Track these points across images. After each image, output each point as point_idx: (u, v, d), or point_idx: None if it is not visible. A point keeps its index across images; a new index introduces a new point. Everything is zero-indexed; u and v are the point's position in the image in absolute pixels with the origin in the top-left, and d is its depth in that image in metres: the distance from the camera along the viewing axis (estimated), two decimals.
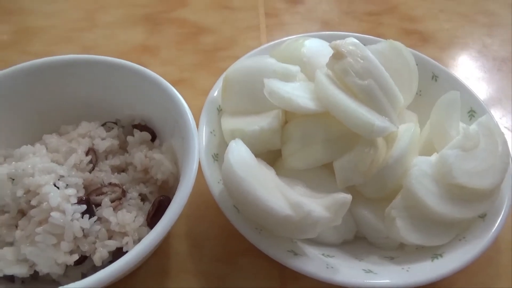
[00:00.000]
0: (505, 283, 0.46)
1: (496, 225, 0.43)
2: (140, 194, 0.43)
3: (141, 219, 0.40)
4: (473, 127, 0.46)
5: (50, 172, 0.40)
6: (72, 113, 0.50)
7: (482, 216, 0.45)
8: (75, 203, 0.37)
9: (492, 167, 0.44)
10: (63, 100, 0.49)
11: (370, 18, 0.77)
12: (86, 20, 0.77)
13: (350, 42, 0.45)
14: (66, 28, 0.75)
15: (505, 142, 0.46)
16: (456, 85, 0.55)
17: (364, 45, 0.47)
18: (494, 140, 0.46)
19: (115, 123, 0.51)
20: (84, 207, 0.37)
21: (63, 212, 0.36)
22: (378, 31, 0.74)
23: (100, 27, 0.75)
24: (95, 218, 0.38)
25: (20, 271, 0.37)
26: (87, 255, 0.38)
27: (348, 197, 0.39)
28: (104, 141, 0.46)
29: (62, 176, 0.40)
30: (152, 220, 0.40)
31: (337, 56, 0.44)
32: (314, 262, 0.41)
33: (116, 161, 0.46)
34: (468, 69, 0.69)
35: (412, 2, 0.80)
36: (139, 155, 0.45)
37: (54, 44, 0.72)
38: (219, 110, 0.52)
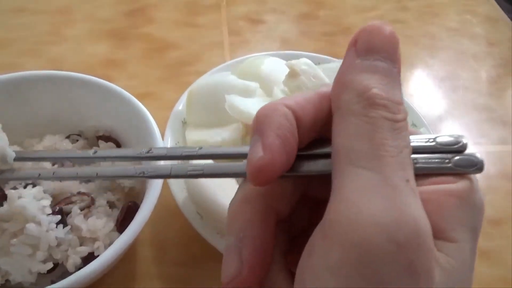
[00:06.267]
0: None
1: None
2: (108, 202, 0.45)
3: (111, 225, 0.42)
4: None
5: None
6: (36, 127, 0.51)
7: None
8: (50, 214, 0.39)
9: None
10: (27, 115, 0.50)
11: (325, 38, 0.83)
12: (52, 34, 0.78)
13: (304, 62, 0.50)
14: (32, 41, 0.76)
15: None
16: None
17: (319, 63, 0.52)
18: None
19: (79, 135, 0.53)
20: (58, 217, 0.39)
21: (38, 223, 0.37)
22: (332, 50, 0.80)
23: (67, 41, 0.77)
24: (68, 227, 0.40)
25: None
26: (59, 262, 0.40)
27: None
28: None
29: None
30: (122, 224, 0.42)
31: (292, 74, 0.49)
32: None
33: None
34: (412, 87, 0.76)
35: (364, 24, 0.87)
36: (106, 164, 0.47)
37: (20, 56, 0.73)
38: (184, 123, 0.56)
